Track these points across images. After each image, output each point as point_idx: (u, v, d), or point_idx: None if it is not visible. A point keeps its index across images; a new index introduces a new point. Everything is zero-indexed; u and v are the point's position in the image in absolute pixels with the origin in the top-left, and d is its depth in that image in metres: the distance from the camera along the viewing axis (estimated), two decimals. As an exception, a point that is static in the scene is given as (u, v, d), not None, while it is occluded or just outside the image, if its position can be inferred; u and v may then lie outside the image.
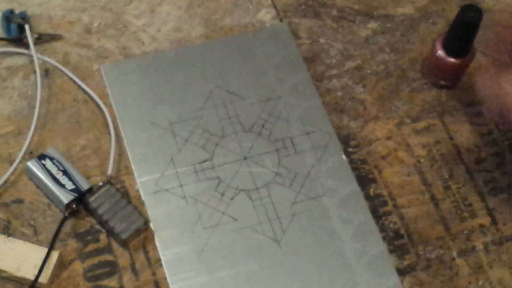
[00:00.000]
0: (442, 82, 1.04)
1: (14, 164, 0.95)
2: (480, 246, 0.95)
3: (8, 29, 1.04)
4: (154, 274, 0.91)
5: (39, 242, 0.92)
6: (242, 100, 1.02)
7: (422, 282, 0.93)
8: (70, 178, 0.93)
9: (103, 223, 0.93)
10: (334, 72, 1.06)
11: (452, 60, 1.01)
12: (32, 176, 0.95)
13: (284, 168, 0.98)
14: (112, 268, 0.91)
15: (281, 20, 1.09)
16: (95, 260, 0.92)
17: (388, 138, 1.01)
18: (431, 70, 1.04)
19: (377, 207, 0.96)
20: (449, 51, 1.01)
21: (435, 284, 0.93)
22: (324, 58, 1.06)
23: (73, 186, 0.93)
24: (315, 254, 0.93)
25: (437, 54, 1.01)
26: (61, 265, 0.91)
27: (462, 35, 0.98)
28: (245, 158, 0.98)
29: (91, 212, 0.94)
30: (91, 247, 0.92)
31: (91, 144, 0.98)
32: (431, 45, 1.03)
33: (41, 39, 1.04)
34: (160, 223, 0.94)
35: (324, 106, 1.02)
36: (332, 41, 1.08)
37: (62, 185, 0.93)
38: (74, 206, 0.93)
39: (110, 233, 0.93)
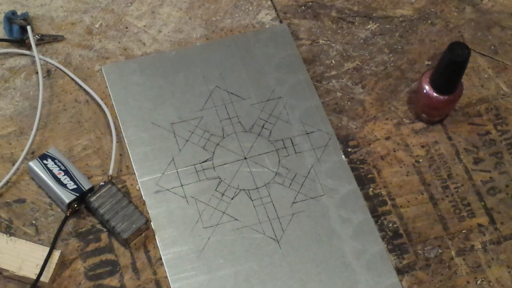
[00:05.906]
0: (427, 117, 1.02)
1: (16, 164, 0.95)
2: (478, 246, 0.95)
3: (10, 30, 1.05)
4: (155, 273, 0.92)
5: (40, 242, 0.92)
6: (242, 101, 1.03)
7: (420, 281, 0.93)
8: (72, 178, 0.94)
9: (104, 223, 0.93)
10: (333, 72, 1.06)
11: (439, 96, 0.98)
12: (34, 176, 0.96)
13: (284, 168, 0.98)
14: (113, 267, 0.92)
15: (281, 21, 1.09)
16: (96, 259, 0.92)
17: (387, 138, 1.02)
18: (418, 106, 1.02)
19: (376, 207, 0.97)
20: (436, 88, 0.98)
21: (434, 283, 0.93)
22: (323, 59, 1.07)
23: (75, 186, 0.93)
24: (314, 253, 0.93)
25: (424, 90, 0.99)
26: (63, 264, 0.92)
27: (449, 72, 0.96)
28: (245, 158, 0.99)
29: (92, 211, 0.94)
30: (92, 246, 0.93)
31: (92, 144, 0.99)
32: (418, 82, 1.02)
33: (43, 40, 1.05)
34: (161, 222, 0.94)
35: (323, 106, 1.03)
36: (332, 42, 1.08)
37: (63, 185, 0.93)
38: (75, 205, 0.93)
39: (111, 232, 0.93)
